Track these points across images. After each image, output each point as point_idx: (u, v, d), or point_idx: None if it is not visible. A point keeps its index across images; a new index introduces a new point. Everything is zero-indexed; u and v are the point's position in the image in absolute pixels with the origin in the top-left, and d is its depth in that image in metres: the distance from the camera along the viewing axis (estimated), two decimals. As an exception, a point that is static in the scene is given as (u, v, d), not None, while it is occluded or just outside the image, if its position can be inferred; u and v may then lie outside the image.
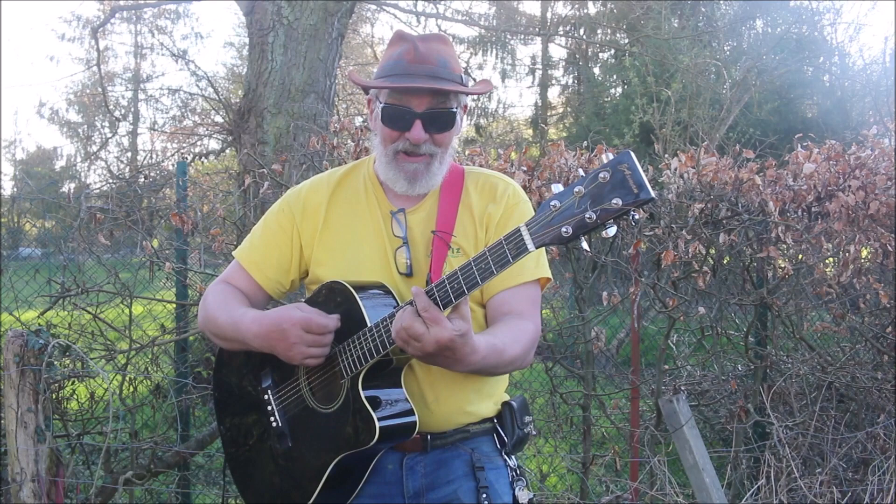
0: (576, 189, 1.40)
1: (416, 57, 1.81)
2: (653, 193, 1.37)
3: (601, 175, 1.38)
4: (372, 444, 1.71)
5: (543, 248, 1.84)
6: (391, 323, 1.65)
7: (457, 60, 1.88)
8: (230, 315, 1.88)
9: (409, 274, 1.84)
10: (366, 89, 1.91)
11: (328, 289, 1.83)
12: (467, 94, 1.86)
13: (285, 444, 1.87)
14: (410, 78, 1.79)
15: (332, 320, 1.74)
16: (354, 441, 1.74)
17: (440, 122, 1.82)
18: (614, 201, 1.37)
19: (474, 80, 2.30)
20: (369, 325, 1.71)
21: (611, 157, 1.40)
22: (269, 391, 1.91)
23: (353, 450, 1.75)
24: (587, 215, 1.39)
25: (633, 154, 1.37)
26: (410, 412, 1.77)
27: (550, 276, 1.91)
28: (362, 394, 1.73)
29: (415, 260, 1.85)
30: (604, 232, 1.41)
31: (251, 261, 1.99)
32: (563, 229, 1.41)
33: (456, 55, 1.90)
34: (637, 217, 1.40)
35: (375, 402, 1.74)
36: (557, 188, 1.44)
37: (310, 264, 1.96)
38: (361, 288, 1.78)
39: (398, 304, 1.75)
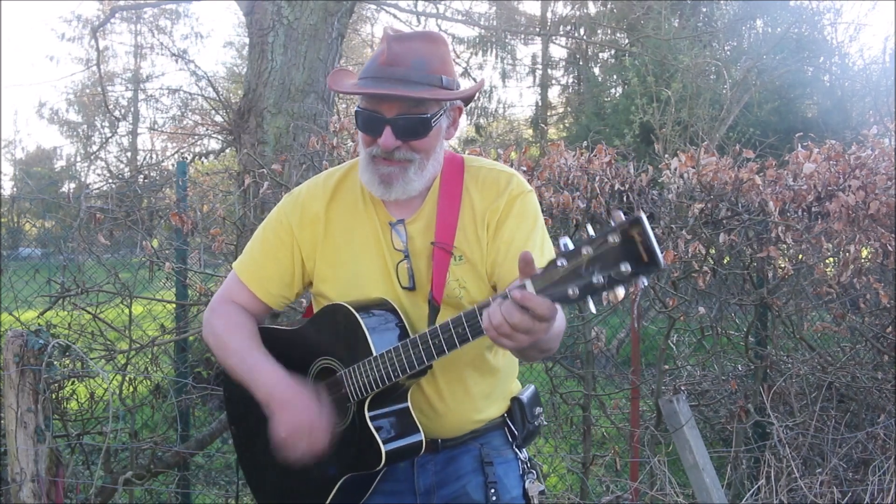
0: (584, 250, 1.34)
1: (389, 58, 1.71)
2: (663, 262, 1.30)
3: (610, 238, 1.31)
4: (379, 468, 1.73)
5: (552, 248, 1.84)
6: (403, 352, 1.65)
7: (441, 60, 1.75)
8: (244, 361, 1.84)
9: (412, 287, 1.81)
10: None
11: (330, 312, 1.81)
12: (437, 99, 1.72)
13: None
14: (378, 82, 1.71)
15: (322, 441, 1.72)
16: (361, 464, 1.76)
17: (411, 128, 1.72)
18: (623, 267, 1.30)
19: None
20: (375, 353, 1.70)
21: (622, 216, 1.32)
22: None
23: (359, 472, 1.77)
24: (594, 279, 1.34)
25: (644, 218, 1.29)
26: (417, 431, 1.77)
27: None
28: (369, 421, 1.73)
29: (417, 272, 1.81)
30: (611, 295, 1.35)
31: (252, 276, 1.93)
32: (570, 291, 1.37)
33: (443, 54, 1.77)
34: (646, 283, 1.35)
35: (382, 425, 1.74)
36: (565, 245, 1.38)
37: (313, 278, 1.92)
38: (364, 309, 1.76)
39: (402, 322, 1.75)
